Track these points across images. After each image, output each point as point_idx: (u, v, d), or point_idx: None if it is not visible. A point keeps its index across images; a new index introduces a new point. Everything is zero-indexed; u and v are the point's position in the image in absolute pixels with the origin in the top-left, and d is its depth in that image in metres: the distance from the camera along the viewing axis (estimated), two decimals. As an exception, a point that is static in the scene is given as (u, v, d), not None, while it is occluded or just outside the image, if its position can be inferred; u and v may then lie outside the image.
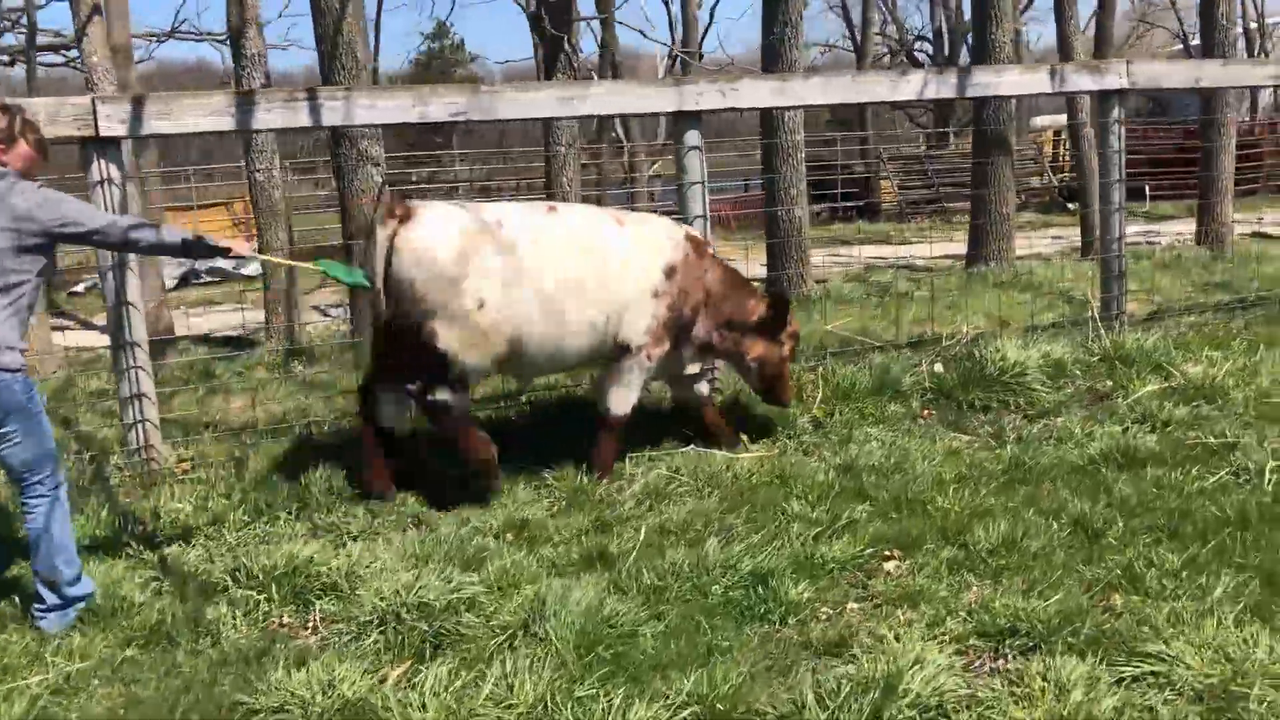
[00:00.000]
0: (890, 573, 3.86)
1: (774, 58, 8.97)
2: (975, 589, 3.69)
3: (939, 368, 6.43)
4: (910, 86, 6.01)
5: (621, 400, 5.04)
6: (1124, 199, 6.86)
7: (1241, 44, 36.77)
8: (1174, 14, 35.36)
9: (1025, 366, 6.31)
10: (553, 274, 4.68)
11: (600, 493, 4.82)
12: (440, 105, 5.20)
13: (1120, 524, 4.06)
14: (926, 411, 5.96)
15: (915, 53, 36.42)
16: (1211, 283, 9.63)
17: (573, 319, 4.75)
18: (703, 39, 27.70)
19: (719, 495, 4.70)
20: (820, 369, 6.26)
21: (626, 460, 5.15)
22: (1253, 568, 3.63)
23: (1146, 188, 23.68)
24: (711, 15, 31.05)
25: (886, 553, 3.99)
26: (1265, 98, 35.41)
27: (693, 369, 5.36)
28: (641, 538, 4.19)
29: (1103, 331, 6.77)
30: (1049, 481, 4.62)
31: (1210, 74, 6.89)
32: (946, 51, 35.71)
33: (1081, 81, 6.49)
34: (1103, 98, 6.70)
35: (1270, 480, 4.41)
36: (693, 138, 5.71)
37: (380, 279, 4.50)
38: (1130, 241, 13.94)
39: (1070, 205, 23.68)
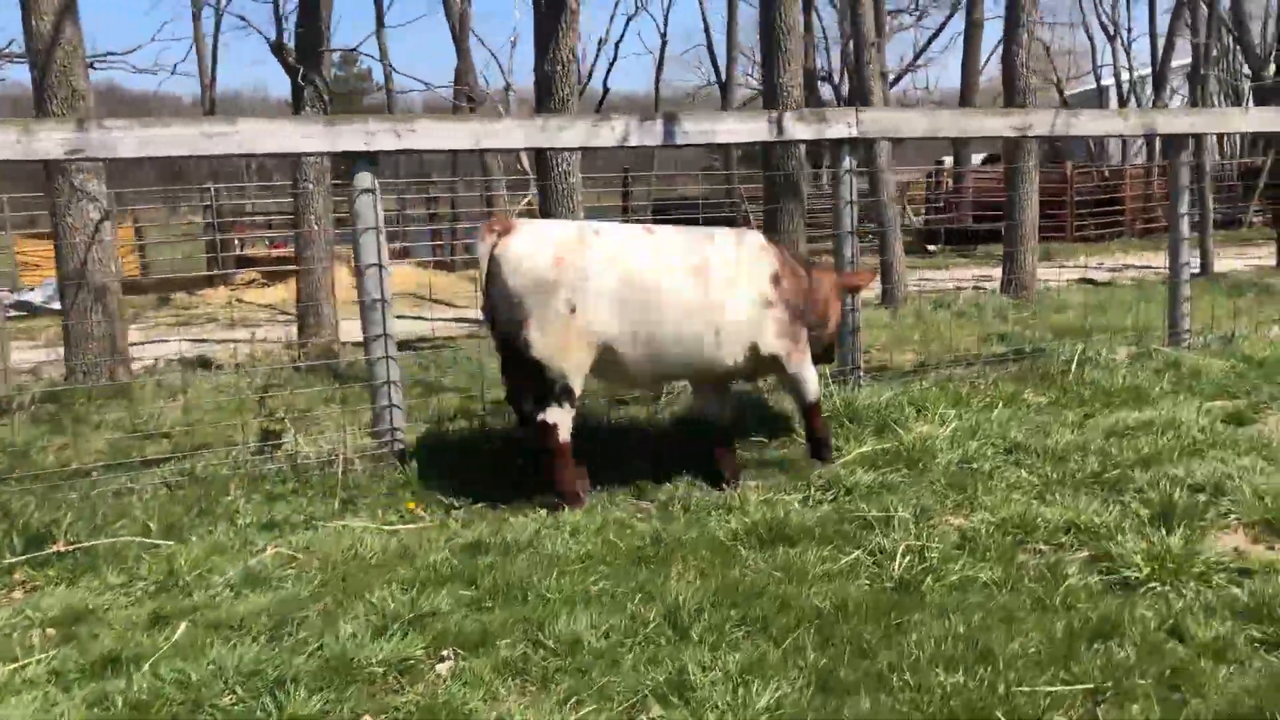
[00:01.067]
0: (436, 677, 3.43)
1: (546, 95, 8.65)
2: (513, 698, 3.28)
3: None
4: (610, 134, 5.68)
5: (811, 388, 5.45)
6: (857, 252, 6.62)
7: (1114, 94, 38.04)
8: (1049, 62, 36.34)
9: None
10: (650, 285, 4.91)
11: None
12: (52, 141, 4.71)
13: (714, 615, 3.69)
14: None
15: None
16: (996, 333, 9.51)
17: (672, 331, 4.97)
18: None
19: (322, 579, 4.23)
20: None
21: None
22: (814, 669, 3.28)
23: (1003, 229, 24.07)
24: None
25: (445, 652, 3.56)
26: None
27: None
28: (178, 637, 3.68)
29: (834, 388, 6.50)
30: (680, 561, 4.25)
31: (946, 124, 6.70)
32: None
33: (802, 130, 6.23)
34: (833, 146, 6.47)
35: (900, 565, 4.09)
36: (364, 180, 5.29)
37: (483, 292, 4.90)
38: (957, 286, 13.88)
39: (930, 248, 23.89)
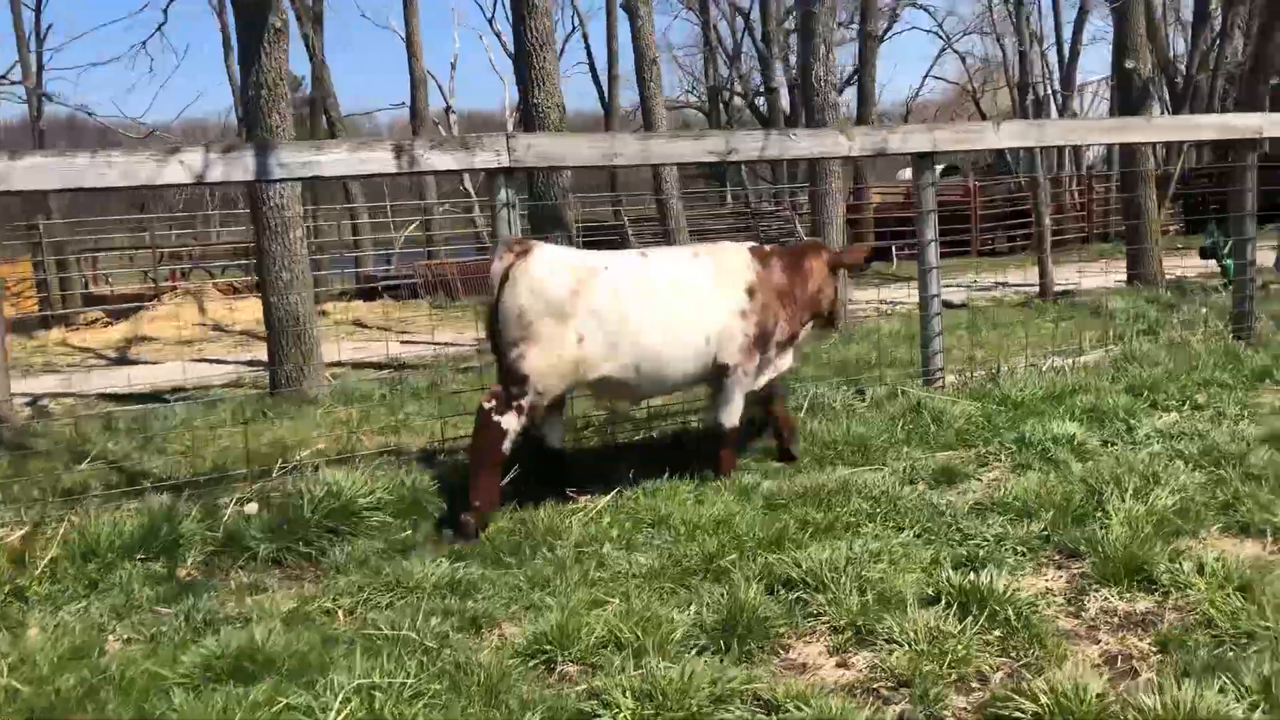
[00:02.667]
0: None
1: (254, 121, 7.85)
2: None
3: (252, 508, 5.25)
4: (180, 170, 4.86)
5: (734, 412, 5.49)
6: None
7: (1054, 105, 37.70)
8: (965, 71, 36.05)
9: (366, 501, 5.21)
10: (649, 314, 5.08)
11: None
12: None
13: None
14: (188, 574, 4.75)
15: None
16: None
17: (668, 352, 5.17)
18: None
19: None
20: (74, 514, 5.02)
21: None
22: None
23: (893, 248, 23.44)
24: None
25: None
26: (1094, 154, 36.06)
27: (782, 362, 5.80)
28: None
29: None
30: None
31: (630, 150, 5.92)
32: (787, 109, 35.60)
33: (442, 160, 5.44)
34: (489, 177, 5.68)
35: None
36: None
37: (490, 308, 4.94)
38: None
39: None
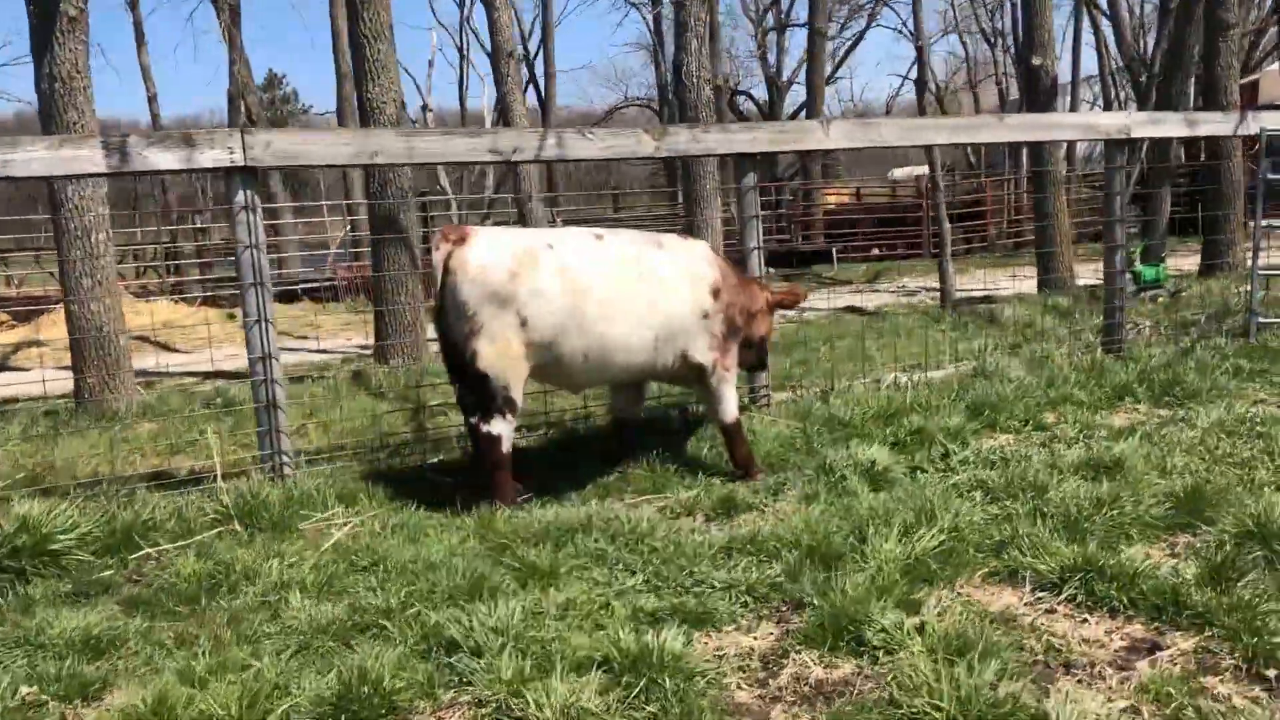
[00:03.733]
0: None
1: (49, 118, 7.31)
2: None
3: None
4: None
5: (728, 408, 5.44)
6: (266, 311, 5.29)
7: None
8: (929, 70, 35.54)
9: (67, 539, 4.69)
10: (600, 296, 4.93)
11: None
12: None
13: None
14: None
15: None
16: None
17: (619, 339, 5.02)
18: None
19: None
20: None
21: None
22: None
23: (834, 250, 22.94)
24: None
25: None
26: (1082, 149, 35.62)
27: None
28: None
29: (222, 484, 5.19)
30: None
31: (392, 146, 5.40)
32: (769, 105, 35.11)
33: (159, 158, 4.88)
34: (227, 176, 5.15)
35: None
36: None
37: (434, 298, 4.85)
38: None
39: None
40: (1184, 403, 6.65)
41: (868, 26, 39.57)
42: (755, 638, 3.65)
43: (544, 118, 26.73)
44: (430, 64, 54.57)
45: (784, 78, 35.35)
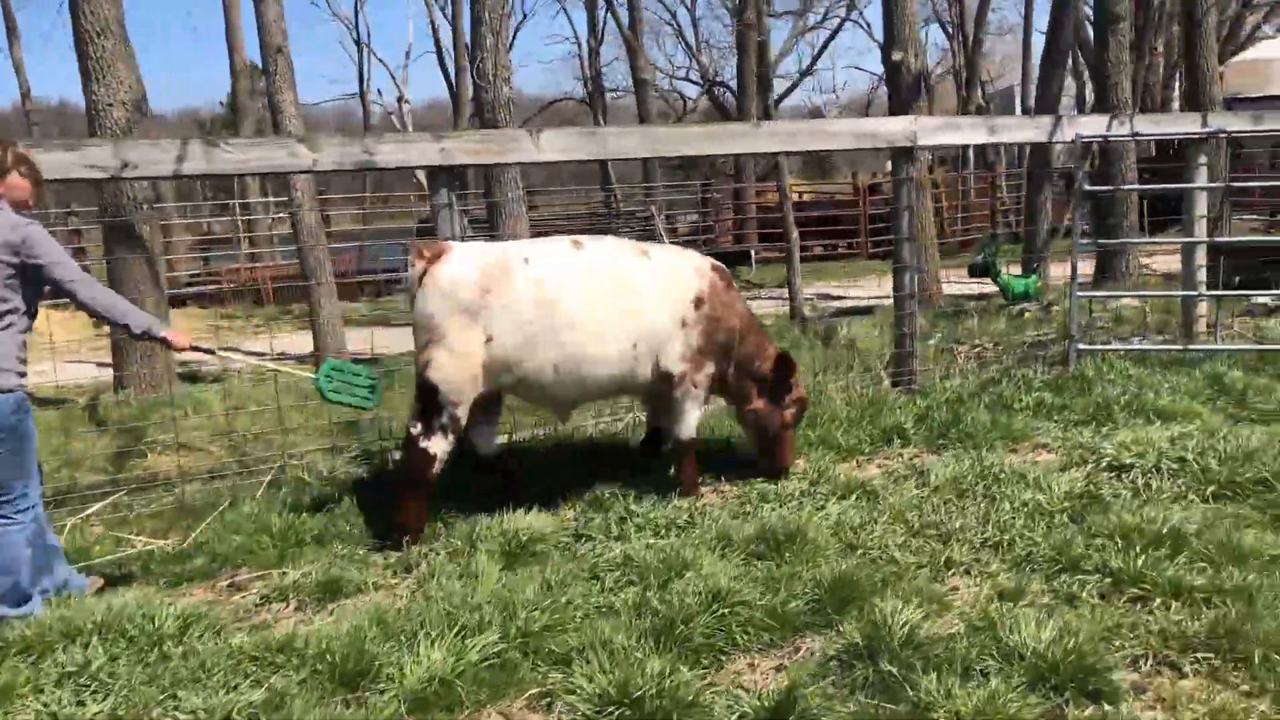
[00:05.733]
0: None
1: None
2: None
3: None
4: None
5: (687, 426, 5.24)
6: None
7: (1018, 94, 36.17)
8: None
9: None
10: (571, 306, 4.79)
11: None
12: None
13: None
14: None
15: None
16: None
17: (595, 352, 4.88)
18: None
19: None
20: None
21: None
22: None
23: (752, 252, 22.10)
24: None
25: None
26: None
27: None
28: None
29: None
30: None
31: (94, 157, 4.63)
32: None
33: None
34: None
35: None
36: None
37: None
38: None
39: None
40: (955, 446, 5.87)
41: (846, 17, 38.55)
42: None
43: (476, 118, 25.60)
44: (407, 55, 53.37)
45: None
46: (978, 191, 27.40)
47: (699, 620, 3.68)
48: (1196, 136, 7.28)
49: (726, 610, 3.74)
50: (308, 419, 7.01)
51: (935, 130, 6.67)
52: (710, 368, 5.20)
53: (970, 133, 6.99)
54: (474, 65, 8.36)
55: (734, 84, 33.40)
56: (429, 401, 4.72)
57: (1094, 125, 7.18)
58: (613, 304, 4.89)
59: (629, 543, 4.62)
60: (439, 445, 4.74)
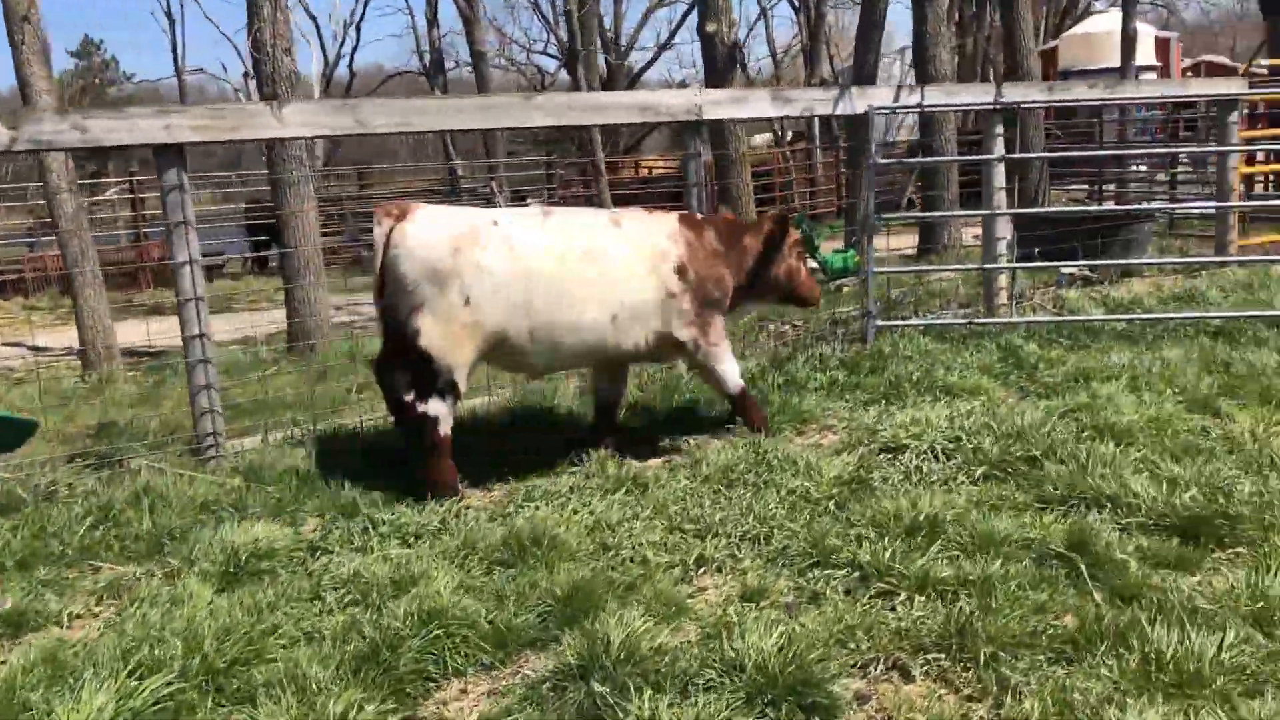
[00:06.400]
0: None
1: None
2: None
3: None
4: None
5: (729, 379, 5.34)
6: None
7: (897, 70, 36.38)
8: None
9: None
10: (545, 274, 4.77)
11: None
12: None
13: None
14: None
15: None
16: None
17: (567, 319, 4.85)
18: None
19: None
20: None
21: None
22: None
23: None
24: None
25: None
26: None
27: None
28: None
29: None
30: None
31: None
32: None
33: None
34: None
35: None
36: None
37: (376, 276, 4.70)
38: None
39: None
40: (739, 430, 5.65)
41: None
42: None
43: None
44: (345, 25, 46.81)
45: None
46: (825, 166, 27.64)
47: (409, 644, 3.34)
48: (989, 108, 7.25)
49: (442, 630, 3.40)
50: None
51: (721, 103, 6.43)
52: (719, 320, 5.31)
53: (757, 105, 6.78)
54: (250, 34, 7.75)
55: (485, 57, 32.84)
56: (423, 369, 4.68)
57: (885, 96, 7.06)
58: (584, 273, 4.89)
59: (369, 555, 4.24)
60: (438, 407, 4.73)
